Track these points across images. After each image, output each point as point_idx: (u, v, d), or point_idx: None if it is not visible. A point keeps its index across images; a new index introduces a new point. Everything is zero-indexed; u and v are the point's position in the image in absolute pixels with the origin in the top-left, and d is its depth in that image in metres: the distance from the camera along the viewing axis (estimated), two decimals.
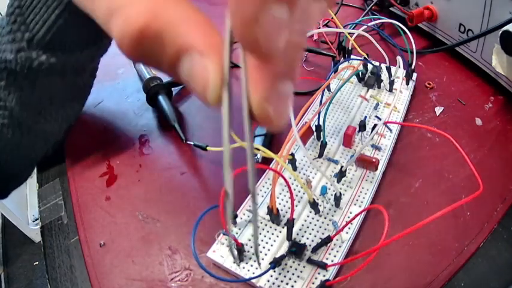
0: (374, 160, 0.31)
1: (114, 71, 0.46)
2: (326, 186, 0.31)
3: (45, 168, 0.37)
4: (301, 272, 0.26)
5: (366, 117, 0.36)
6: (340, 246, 0.27)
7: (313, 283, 0.25)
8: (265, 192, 0.31)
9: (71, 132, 0.38)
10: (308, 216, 0.29)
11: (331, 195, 0.30)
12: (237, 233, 0.28)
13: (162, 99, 0.39)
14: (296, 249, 0.26)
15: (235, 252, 0.26)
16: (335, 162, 0.33)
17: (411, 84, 0.40)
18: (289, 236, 0.27)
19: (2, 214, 1.09)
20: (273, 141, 0.36)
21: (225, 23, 0.12)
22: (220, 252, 0.27)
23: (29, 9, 0.27)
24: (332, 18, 0.41)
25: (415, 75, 0.40)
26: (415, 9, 0.45)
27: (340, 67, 0.39)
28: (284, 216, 0.29)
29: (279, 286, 0.25)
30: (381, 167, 0.32)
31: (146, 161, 0.36)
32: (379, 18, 0.43)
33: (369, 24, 0.42)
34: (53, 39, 0.28)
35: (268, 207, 0.28)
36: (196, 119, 0.40)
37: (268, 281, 0.25)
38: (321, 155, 0.33)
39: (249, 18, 0.10)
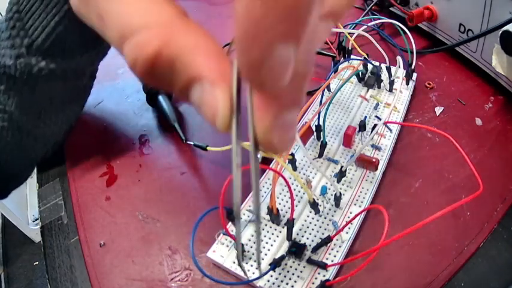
0: (374, 160, 0.31)
1: (114, 71, 0.46)
2: (326, 186, 0.31)
3: (45, 169, 0.37)
4: (301, 272, 0.26)
5: (366, 117, 0.36)
6: (340, 246, 0.27)
7: (313, 283, 0.25)
8: (265, 192, 0.31)
9: (71, 132, 0.38)
10: (308, 216, 0.29)
11: (331, 195, 0.30)
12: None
13: (162, 99, 0.39)
14: (296, 249, 0.26)
15: (245, 268, 0.26)
16: (335, 162, 0.33)
17: (411, 84, 0.40)
18: (289, 236, 0.27)
19: (2, 214, 1.09)
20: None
21: (233, 60, 0.12)
22: (220, 252, 0.27)
23: (27, 15, 0.27)
24: None
25: (415, 75, 0.40)
26: (415, 9, 0.45)
27: (340, 67, 0.39)
28: (284, 216, 0.29)
29: (279, 286, 0.25)
30: (381, 167, 0.32)
31: (146, 161, 0.36)
32: (379, 18, 0.43)
33: (369, 24, 0.42)
34: (53, 46, 0.28)
35: (268, 207, 0.28)
36: (196, 119, 0.39)
37: (268, 281, 0.25)
38: (321, 155, 0.33)
39: (254, 62, 0.10)
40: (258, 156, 0.33)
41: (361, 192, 0.31)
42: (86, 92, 0.37)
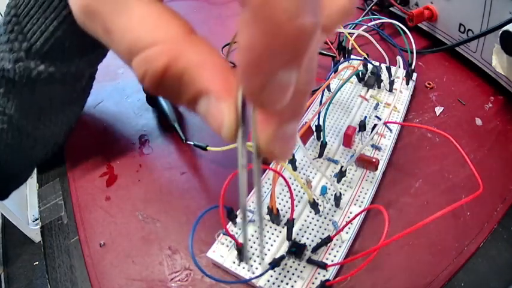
0: (374, 160, 0.31)
1: (114, 71, 0.46)
2: (326, 186, 0.31)
3: (45, 169, 0.37)
4: (301, 272, 0.26)
5: (366, 117, 0.36)
6: (340, 246, 0.27)
7: (313, 283, 0.25)
8: (265, 192, 0.31)
9: (71, 132, 0.38)
10: (308, 216, 0.29)
11: (331, 195, 0.30)
12: (237, 233, 0.28)
13: (162, 99, 0.39)
14: (296, 249, 0.26)
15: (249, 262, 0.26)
16: (335, 162, 0.33)
17: (411, 84, 0.40)
18: (289, 236, 0.27)
19: (2, 214, 1.09)
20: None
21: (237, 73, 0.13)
22: (220, 252, 0.27)
23: (26, 19, 0.27)
24: None
25: (415, 75, 0.40)
26: (415, 9, 0.45)
27: (340, 67, 0.39)
28: (284, 216, 0.29)
29: (279, 286, 0.25)
30: (381, 167, 0.32)
31: (146, 161, 0.36)
32: (379, 18, 0.43)
33: (369, 24, 0.42)
34: (52, 49, 0.28)
35: (268, 207, 0.28)
36: (196, 119, 0.39)
37: (268, 281, 0.25)
38: (321, 155, 0.33)
39: (256, 88, 0.11)
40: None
41: (361, 192, 0.31)
42: (85, 93, 0.37)
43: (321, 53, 0.44)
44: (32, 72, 0.28)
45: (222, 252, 0.27)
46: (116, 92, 0.44)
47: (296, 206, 0.30)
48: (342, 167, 0.31)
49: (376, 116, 0.36)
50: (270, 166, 0.31)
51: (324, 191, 0.30)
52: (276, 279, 0.26)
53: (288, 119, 0.14)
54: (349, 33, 0.40)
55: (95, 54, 0.31)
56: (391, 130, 0.35)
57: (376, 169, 0.31)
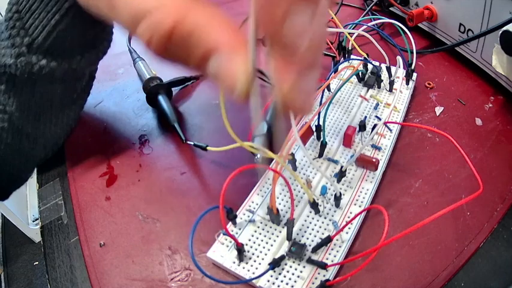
0: (374, 160, 0.31)
1: (114, 71, 0.46)
2: (326, 186, 0.31)
3: (45, 169, 0.37)
4: (301, 272, 0.26)
5: (366, 117, 0.36)
6: (340, 246, 0.27)
7: (313, 283, 0.25)
8: (265, 192, 0.31)
9: (71, 132, 0.38)
10: (308, 216, 0.29)
11: (331, 195, 0.30)
12: (237, 233, 0.28)
13: (162, 99, 0.39)
14: (296, 249, 0.26)
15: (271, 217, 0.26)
16: (335, 162, 0.33)
17: (411, 84, 0.40)
18: (289, 236, 0.27)
19: (2, 214, 1.09)
20: (273, 141, 0.36)
21: (249, 21, 0.13)
22: (220, 252, 0.27)
23: (27, 14, 0.27)
24: (332, 18, 0.41)
25: (415, 75, 0.40)
26: (415, 9, 0.45)
27: (340, 67, 0.39)
28: (284, 216, 0.29)
29: (279, 286, 0.25)
30: (381, 167, 0.32)
31: (146, 161, 0.36)
32: (379, 18, 0.43)
33: (369, 24, 0.42)
34: (53, 44, 0.28)
35: (268, 207, 0.28)
36: (196, 119, 0.40)
37: (268, 281, 0.25)
38: (321, 155, 0.33)
39: (277, 19, 0.11)
40: (258, 156, 0.33)
41: (361, 192, 0.31)
42: (85, 93, 0.37)
43: None
44: (34, 67, 0.28)
45: (222, 252, 0.27)
46: (116, 92, 0.44)
47: (296, 206, 0.30)
48: (342, 167, 0.31)
49: (376, 116, 0.36)
50: (270, 166, 0.31)
51: (324, 191, 0.30)
52: (276, 279, 0.26)
53: (307, 68, 0.14)
54: (349, 33, 0.40)
55: (96, 51, 0.31)
56: (391, 130, 0.35)
57: (376, 169, 0.31)
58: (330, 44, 0.44)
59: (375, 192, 0.31)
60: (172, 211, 0.32)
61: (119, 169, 0.35)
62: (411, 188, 0.32)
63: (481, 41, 0.39)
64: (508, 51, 0.34)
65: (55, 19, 0.26)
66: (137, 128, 0.39)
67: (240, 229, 0.28)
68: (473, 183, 0.29)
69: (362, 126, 0.34)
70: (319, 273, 0.26)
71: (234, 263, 0.27)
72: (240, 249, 0.26)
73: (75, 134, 0.38)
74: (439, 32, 0.45)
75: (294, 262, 0.26)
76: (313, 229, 0.28)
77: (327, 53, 0.43)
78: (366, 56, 0.40)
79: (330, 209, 0.29)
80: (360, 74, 0.39)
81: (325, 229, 0.28)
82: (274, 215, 0.28)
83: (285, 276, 0.26)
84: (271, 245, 0.27)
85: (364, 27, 0.40)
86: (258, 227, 0.28)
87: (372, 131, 0.34)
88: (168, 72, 0.43)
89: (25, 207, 1.17)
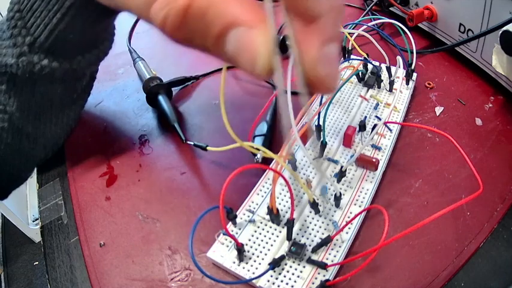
0: (374, 160, 0.31)
1: (114, 71, 0.46)
2: (326, 186, 0.30)
3: (45, 169, 0.37)
4: (301, 272, 0.26)
5: (366, 117, 0.36)
6: (340, 246, 0.27)
7: (313, 283, 0.25)
8: (265, 192, 0.31)
9: (71, 132, 0.38)
10: (308, 216, 0.29)
11: (331, 195, 0.30)
12: (237, 233, 0.28)
13: (162, 99, 0.39)
14: (296, 249, 0.26)
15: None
16: (335, 162, 0.33)
17: (411, 84, 0.40)
18: (289, 236, 0.27)
19: (2, 214, 1.09)
20: (273, 141, 0.36)
21: None
22: (220, 252, 0.27)
23: (29, 13, 0.27)
24: None
25: (415, 75, 0.40)
26: (415, 9, 0.45)
27: (340, 67, 0.39)
28: (284, 216, 0.29)
29: (279, 286, 0.25)
30: (381, 167, 0.32)
31: (146, 161, 0.36)
32: (379, 18, 0.43)
33: (369, 24, 0.42)
34: (55, 43, 0.28)
35: (268, 207, 0.28)
36: (196, 119, 0.40)
37: (268, 281, 0.25)
38: (321, 155, 0.33)
39: None
40: (258, 156, 0.33)
41: (361, 192, 0.31)
42: (85, 94, 0.37)
43: None
44: (35, 66, 0.28)
45: (222, 252, 0.27)
46: (116, 92, 0.44)
47: (296, 206, 0.30)
48: (342, 167, 0.31)
49: (376, 116, 0.36)
50: (270, 166, 0.31)
51: (324, 191, 0.30)
52: (276, 279, 0.26)
53: (328, 38, 0.14)
54: (349, 33, 0.40)
55: (97, 51, 0.31)
56: (391, 130, 0.35)
57: (376, 169, 0.31)
58: None
59: (375, 192, 0.31)
60: (172, 211, 0.32)
61: (119, 169, 0.35)
62: (411, 188, 0.32)
63: (481, 41, 0.39)
64: (508, 51, 0.34)
65: (56, 18, 0.26)
66: (137, 128, 0.39)
67: (240, 229, 0.28)
68: (473, 183, 0.29)
69: (362, 126, 0.34)
70: (319, 273, 0.26)
71: (234, 263, 0.27)
72: (240, 249, 0.26)
73: (75, 134, 0.38)
74: (439, 32, 0.45)
75: (294, 262, 0.26)
76: (313, 229, 0.28)
77: None
78: (366, 56, 0.40)
79: (329, 209, 0.29)
80: (360, 74, 0.39)
81: (325, 229, 0.28)
82: (274, 215, 0.28)
83: (285, 276, 0.26)
84: (271, 245, 0.27)
85: (364, 27, 0.40)
86: (258, 227, 0.28)
87: (372, 131, 0.34)
88: (168, 72, 0.43)
89: (25, 207, 1.17)
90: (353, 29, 0.42)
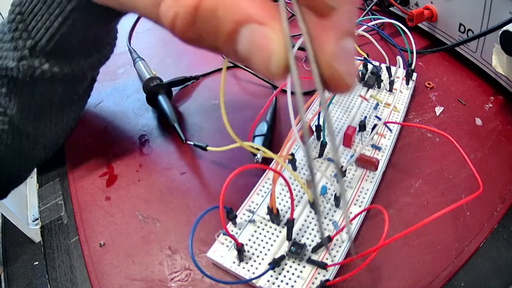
0: (374, 160, 0.31)
1: (114, 71, 0.46)
2: (326, 186, 0.31)
3: (45, 169, 0.37)
4: (301, 272, 0.26)
5: (366, 117, 0.36)
6: (340, 246, 0.27)
7: (313, 283, 0.25)
8: (265, 192, 0.31)
9: (71, 132, 0.38)
10: (308, 216, 0.29)
11: (331, 195, 0.30)
12: (237, 233, 0.28)
13: (162, 99, 0.39)
14: (296, 249, 0.26)
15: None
16: (335, 162, 0.33)
17: (411, 84, 0.40)
18: (289, 236, 0.27)
19: (2, 214, 1.09)
20: (273, 141, 0.36)
21: None
22: (220, 252, 0.27)
23: (30, 16, 0.26)
24: None
25: (415, 75, 0.40)
26: (415, 9, 0.45)
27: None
28: (284, 216, 0.29)
29: (279, 286, 0.25)
30: (381, 167, 0.32)
31: (146, 161, 0.36)
32: (379, 18, 0.43)
33: (369, 24, 0.42)
34: (56, 47, 0.27)
35: (268, 207, 0.28)
36: (196, 119, 0.40)
37: (268, 281, 0.25)
38: (321, 155, 0.33)
39: None
40: (258, 156, 0.33)
41: (361, 192, 0.31)
42: (86, 95, 0.37)
43: None
44: (36, 71, 0.28)
45: (222, 252, 0.27)
46: (116, 92, 0.44)
47: (296, 206, 0.30)
48: (342, 167, 0.31)
49: (376, 116, 0.36)
50: (270, 166, 0.31)
51: (324, 191, 0.30)
52: (276, 279, 0.26)
53: (345, 32, 0.13)
54: None
55: (99, 56, 0.31)
56: (391, 130, 0.35)
57: (376, 169, 0.31)
58: None
59: (375, 192, 0.31)
60: (172, 211, 0.32)
61: (119, 169, 0.35)
62: (411, 188, 0.32)
63: (481, 41, 0.39)
64: (508, 51, 0.34)
65: (58, 21, 0.26)
66: (137, 128, 0.39)
67: (240, 229, 0.28)
68: (473, 183, 0.29)
69: (362, 126, 0.34)
70: (319, 273, 0.26)
71: (234, 263, 0.27)
72: (240, 249, 0.26)
73: (75, 134, 0.38)
74: (439, 32, 0.45)
75: (294, 262, 0.26)
76: (313, 229, 0.28)
77: None
78: (366, 56, 0.40)
79: (330, 209, 0.29)
80: (360, 74, 0.39)
81: (325, 229, 0.28)
82: (274, 215, 0.28)
83: (285, 276, 0.26)
84: (271, 245, 0.27)
85: (364, 27, 0.41)
86: (258, 227, 0.28)
87: (372, 131, 0.34)
88: (168, 72, 0.43)
89: (25, 207, 1.17)
90: None
